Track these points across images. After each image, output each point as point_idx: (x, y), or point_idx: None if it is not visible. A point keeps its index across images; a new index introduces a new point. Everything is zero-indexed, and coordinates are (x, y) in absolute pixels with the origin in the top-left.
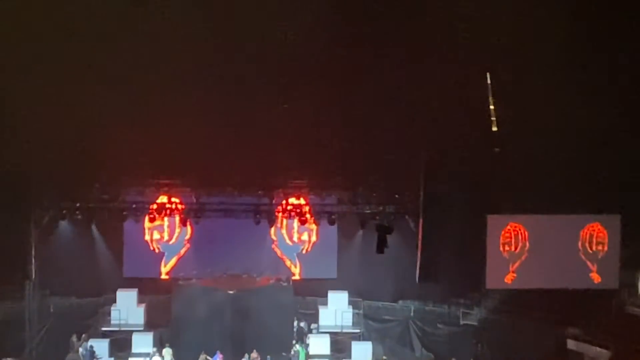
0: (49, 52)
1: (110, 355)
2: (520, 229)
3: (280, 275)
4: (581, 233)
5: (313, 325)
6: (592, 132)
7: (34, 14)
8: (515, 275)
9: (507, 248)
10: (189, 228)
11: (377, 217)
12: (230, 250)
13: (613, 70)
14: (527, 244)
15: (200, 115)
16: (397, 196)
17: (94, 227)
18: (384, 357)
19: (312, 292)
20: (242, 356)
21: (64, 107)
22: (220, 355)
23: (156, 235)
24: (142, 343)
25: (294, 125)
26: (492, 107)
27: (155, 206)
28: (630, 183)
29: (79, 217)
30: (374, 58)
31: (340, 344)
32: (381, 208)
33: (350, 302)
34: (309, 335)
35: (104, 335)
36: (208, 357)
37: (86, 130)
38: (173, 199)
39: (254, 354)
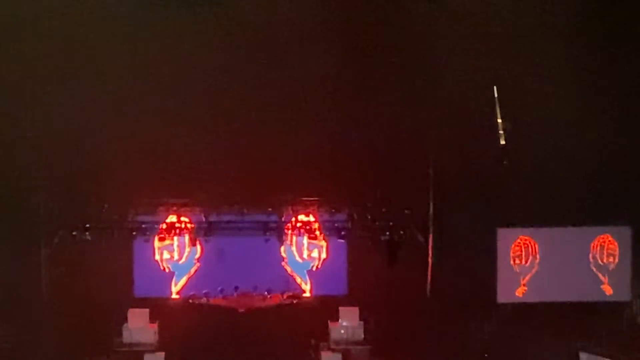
0: (57, 70)
1: None
2: (530, 242)
3: (291, 292)
4: (591, 245)
5: (323, 344)
6: (601, 143)
7: (36, 34)
8: (526, 288)
9: (517, 261)
10: (198, 247)
11: (387, 233)
12: (240, 269)
13: (624, 81)
14: (538, 256)
15: (208, 134)
16: (406, 211)
17: (103, 248)
18: None
19: (323, 308)
20: None
21: (71, 127)
22: None
23: (166, 255)
24: None
25: (302, 142)
26: (499, 120)
27: (164, 226)
28: None
29: (89, 237)
30: (381, 74)
31: None
32: (391, 223)
33: (361, 318)
34: (321, 352)
35: (116, 355)
36: None
37: (94, 150)
38: (182, 218)
39: None
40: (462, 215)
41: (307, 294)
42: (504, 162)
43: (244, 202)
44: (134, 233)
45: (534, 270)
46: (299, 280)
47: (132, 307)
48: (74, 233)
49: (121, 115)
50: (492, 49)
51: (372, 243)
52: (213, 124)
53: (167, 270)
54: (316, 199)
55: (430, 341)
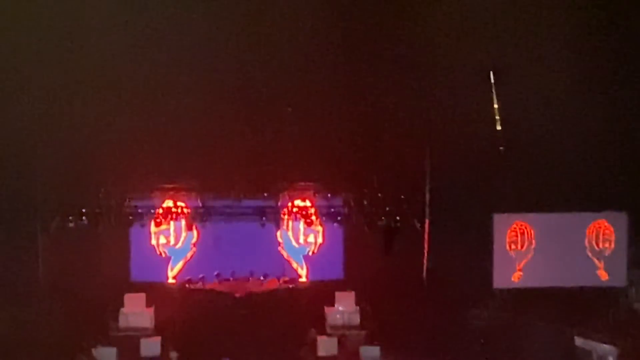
0: (53, 57)
1: None
2: (526, 228)
3: (287, 277)
4: (587, 230)
5: (312, 330)
6: (598, 128)
7: (35, 16)
8: (522, 273)
9: (513, 247)
10: (195, 232)
11: (383, 218)
12: (236, 254)
13: (620, 66)
14: (534, 242)
15: (204, 119)
16: (402, 197)
17: (100, 233)
18: None
19: (319, 293)
20: None
21: (68, 113)
22: None
23: (162, 240)
24: (150, 347)
25: (299, 128)
26: (496, 106)
27: (161, 210)
28: (636, 180)
29: (85, 222)
30: (378, 60)
31: (347, 345)
32: (387, 209)
33: (357, 303)
34: (317, 337)
35: (112, 339)
36: None
37: (91, 136)
38: (179, 203)
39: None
40: (458, 200)
41: (303, 279)
42: (500, 148)
43: (240, 187)
44: (131, 218)
45: (529, 256)
46: (295, 265)
47: (129, 291)
48: (70, 218)
49: (118, 101)
50: (488, 36)
51: (369, 228)
52: (210, 110)
53: (163, 255)
54: (312, 184)
55: (426, 326)
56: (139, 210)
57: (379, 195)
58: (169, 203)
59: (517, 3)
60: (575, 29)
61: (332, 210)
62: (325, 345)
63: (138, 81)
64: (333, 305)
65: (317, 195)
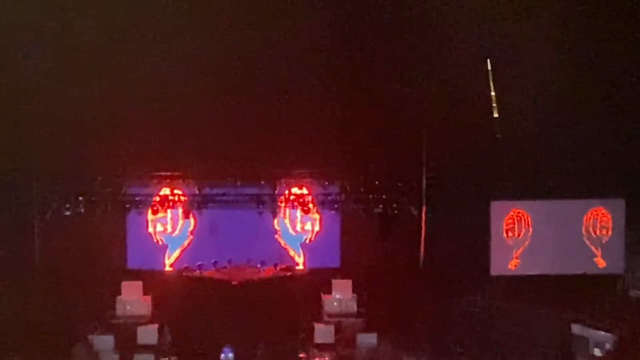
0: (51, 46)
1: (116, 348)
2: (523, 215)
3: (284, 265)
4: (585, 218)
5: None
6: (595, 115)
7: (36, 9)
8: (519, 261)
9: (510, 234)
10: (192, 220)
11: (380, 206)
12: (233, 241)
13: (618, 54)
14: (531, 229)
15: (201, 107)
16: (399, 184)
17: (97, 220)
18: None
19: (316, 281)
20: (248, 349)
21: (65, 101)
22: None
23: (159, 228)
24: (148, 335)
25: (295, 115)
26: (493, 93)
27: (157, 198)
28: (634, 167)
29: (82, 210)
30: (374, 47)
31: (344, 332)
32: (384, 196)
33: (354, 291)
34: (314, 324)
35: (109, 327)
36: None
37: (88, 124)
38: (175, 191)
39: (260, 347)
40: (455, 188)
41: (301, 267)
42: (497, 135)
43: (237, 175)
44: (128, 206)
45: (527, 243)
46: (292, 252)
47: (126, 279)
48: (67, 206)
49: (115, 89)
50: (485, 23)
51: (365, 216)
52: (207, 98)
53: (160, 242)
54: (309, 171)
55: (422, 314)
56: (136, 198)
57: (376, 182)
58: (165, 191)
59: None
60: (572, 15)
61: (329, 197)
62: (322, 332)
63: (135, 69)
64: (330, 293)
65: (314, 182)
